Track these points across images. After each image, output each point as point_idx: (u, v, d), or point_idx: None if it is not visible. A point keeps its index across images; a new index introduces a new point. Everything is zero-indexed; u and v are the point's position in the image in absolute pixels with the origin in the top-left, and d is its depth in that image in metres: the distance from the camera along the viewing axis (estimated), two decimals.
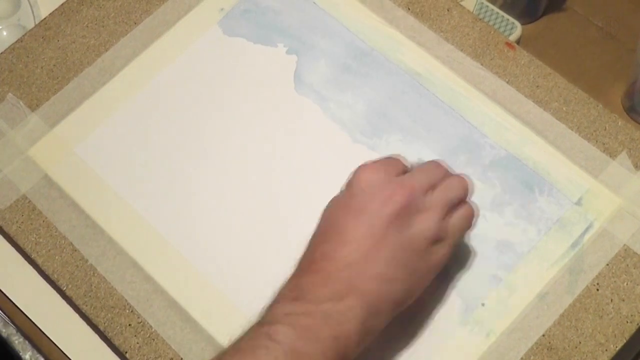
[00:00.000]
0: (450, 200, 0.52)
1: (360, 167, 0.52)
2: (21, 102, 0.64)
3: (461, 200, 0.53)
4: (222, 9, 0.67)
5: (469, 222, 0.53)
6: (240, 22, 0.66)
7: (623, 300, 0.55)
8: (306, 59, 0.64)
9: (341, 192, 0.52)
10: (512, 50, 0.63)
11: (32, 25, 0.72)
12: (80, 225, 0.60)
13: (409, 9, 0.65)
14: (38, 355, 0.60)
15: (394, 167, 0.53)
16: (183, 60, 0.65)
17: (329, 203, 0.52)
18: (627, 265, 0.56)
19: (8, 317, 0.60)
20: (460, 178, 0.54)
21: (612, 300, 0.55)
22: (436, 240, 0.51)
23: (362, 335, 0.48)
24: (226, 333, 0.56)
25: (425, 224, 0.50)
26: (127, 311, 0.57)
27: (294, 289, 0.49)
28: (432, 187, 0.52)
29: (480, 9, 0.71)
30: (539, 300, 0.55)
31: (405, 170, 0.53)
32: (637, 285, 0.55)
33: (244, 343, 0.47)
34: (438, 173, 0.53)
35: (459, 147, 0.60)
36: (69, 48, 0.66)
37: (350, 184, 0.52)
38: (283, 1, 0.67)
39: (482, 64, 0.63)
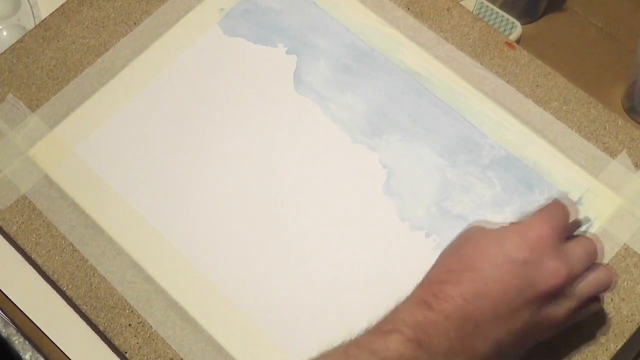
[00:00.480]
0: (593, 296, 0.50)
1: (533, 218, 0.49)
2: (21, 103, 0.64)
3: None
4: (222, 9, 0.67)
5: (589, 316, 0.52)
6: (240, 22, 0.66)
7: (623, 300, 0.55)
8: (306, 59, 0.64)
9: (498, 230, 0.49)
10: (512, 50, 0.63)
11: (32, 25, 0.72)
12: (80, 225, 0.60)
13: (408, 9, 0.65)
14: (38, 355, 0.60)
15: (565, 225, 0.49)
16: (183, 61, 0.65)
17: (476, 231, 0.49)
18: (627, 264, 0.56)
19: (8, 317, 0.60)
20: (610, 273, 0.50)
21: (612, 299, 0.55)
22: (557, 326, 0.49)
23: None
24: (226, 333, 0.56)
25: (561, 310, 0.48)
26: (127, 311, 0.57)
27: (415, 327, 0.45)
28: (585, 273, 0.49)
29: (480, 8, 0.71)
30: None
31: (570, 226, 0.50)
32: (637, 284, 0.55)
33: None
34: (595, 258, 0.50)
35: (459, 147, 0.60)
36: (69, 48, 0.66)
37: (519, 233, 0.48)
38: (283, 1, 0.67)
39: (482, 64, 0.63)
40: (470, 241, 0.49)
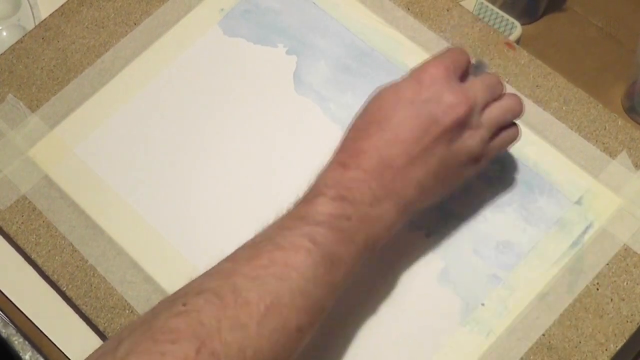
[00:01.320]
0: (502, 123, 0.53)
1: (426, 63, 0.51)
2: (21, 103, 0.64)
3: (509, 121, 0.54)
4: (222, 10, 0.67)
5: (508, 145, 0.55)
6: (241, 23, 0.66)
7: (623, 300, 0.55)
8: (306, 59, 0.64)
9: (396, 82, 0.51)
10: (512, 50, 0.63)
11: (32, 26, 0.72)
12: (80, 225, 0.60)
13: (408, 9, 0.65)
14: (38, 355, 0.60)
15: (460, 65, 0.52)
16: (183, 61, 0.65)
17: (379, 91, 0.51)
18: (627, 264, 0.56)
19: (8, 317, 0.60)
20: (517, 99, 0.54)
21: (612, 299, 0.55)
22: (476, 159, 0.51)
23: (387, 236, 0.49)
24: None
25: (473, 141, 0.51)
26: (127, 311, 0.57)
27: (336, 185, 0.48)
28: (489, 103, 0.52)
29: (480, 9, 0.71)
30: (539, 300, 0.55)
31: (468, 68, 0.53)
32: (637, 284, 0.55)
33: (284, 239, 0.46)
34: (498, 90, 0.53)
35: None
36: (69, 49, 0.66)
37: (414, 77, 0.51)
38: (283, 1, 0.67)
39: None
40: (374, 99, 0.51)
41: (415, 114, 0.49)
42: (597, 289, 0.55)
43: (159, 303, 0.46)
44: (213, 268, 0.47)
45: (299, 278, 0.45)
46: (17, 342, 0.60)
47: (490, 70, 0.62)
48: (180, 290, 0.46)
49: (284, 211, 0.49)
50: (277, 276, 0.44)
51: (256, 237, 0.48)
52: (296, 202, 0.49)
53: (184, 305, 0.44)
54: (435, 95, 0.49)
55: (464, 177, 0.53)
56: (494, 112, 0.52)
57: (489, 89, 0.52)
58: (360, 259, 0.48)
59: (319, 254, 0.45)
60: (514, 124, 0.54)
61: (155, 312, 0.44)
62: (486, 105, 0.52)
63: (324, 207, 0.47)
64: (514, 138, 0.54)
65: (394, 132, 0.49)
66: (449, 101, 0.49)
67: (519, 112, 0.54)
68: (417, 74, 0.51)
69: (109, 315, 0.57)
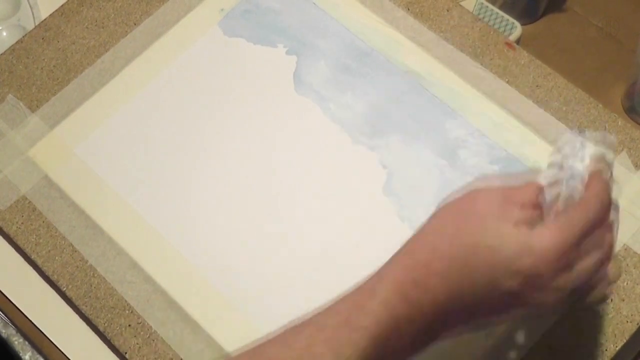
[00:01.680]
0: (585, 283, 0.43)
1: (556, 230, 0.41)
2: (21, 103, 0.64)
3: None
4: (222, 10, 0.67)
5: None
6: (241, 23, 0.66)
7: (623, 300, 0.55)
8: (306, 59, 0.64)
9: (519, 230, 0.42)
10: (512, 50, 0.63)
11: (32, 26, 0.72)
12: (80, 225, 0.60)
13: (408, 9, 0.65)
14: (38, 355, 0.60)
15: (588, 232, 0.42)
16: (183, 61, 0.65)
17: (493, 207, 0.43)
18: (627, 265, 0.56)
19: (8, 317, 0.60)
20: (611, 244, 0.44)
21: (612, 300, 0.55)
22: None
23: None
24: (226, 333, 0.56)
25: (539, 303, 0.43)
26: (127, 312, 0.57)
27: (386, 324, 0.42)
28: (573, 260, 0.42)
29: (480, 9, 0.71)
30: None
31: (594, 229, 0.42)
32: (637, 284, 0.55)
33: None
34: (599, 233, 0.43)
35: (459, 147, 0.60)
36: (69, 49, 0.66)
37: (533, 247, 0.41)
38: (283, 1, 0.67)
39: (482, 64, 0.63)
40: (473, 223, 0.43)
41: (505, 289, 0.42)
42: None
43: None
44: None
45: None
46: (17, 342, 0.60)
47: (491, 71, 0.62)
48: None
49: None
50: None
51: (288, 340, 0.43)
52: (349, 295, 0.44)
53: None
54: (535, 283, 0.41)
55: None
56: (579, 276, 0.42)
57: (596, 266, 0.43)
58: None
59: None
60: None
61: None
62: (570, 263, 0.42)
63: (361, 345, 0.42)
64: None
65: (473, 289, 0.42)
66: (548, 289, 0.41)
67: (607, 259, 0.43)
68: (538, 243, 0.41)
69: (109, 315, 0.57)
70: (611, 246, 0.44)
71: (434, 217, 0.45)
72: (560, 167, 0.43)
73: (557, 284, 0.41)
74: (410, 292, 0.42)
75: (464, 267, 0.42)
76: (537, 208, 0.42)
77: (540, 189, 0.43)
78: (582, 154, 0.42)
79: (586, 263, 0.42)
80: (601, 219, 0.43)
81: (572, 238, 0.41)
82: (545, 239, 0.41)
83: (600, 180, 0.43)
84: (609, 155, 0.43)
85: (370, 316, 0.42)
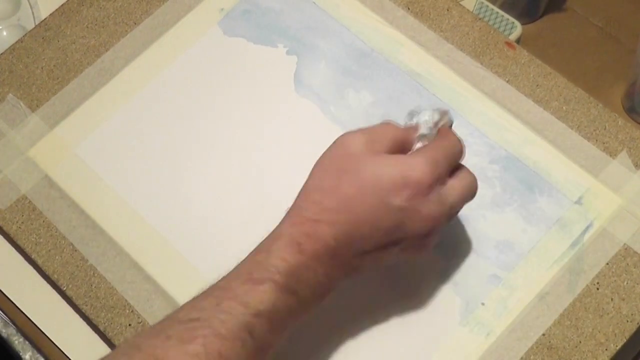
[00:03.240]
0: (463, 203, 0.51)
1: (420, 160, 0.48)
2: (21, 103, 0.64)
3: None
4: (222, 9, 0.67)
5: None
6: (241, 23, 0.66)
7: (623, 300, 0.55)
8: (306, 59, 0.64)
9: (386, 159, 0.49)
10: (512, 50, 0.63)
11: (32, 25, 0.72)
12: (80, 225, 0.60)
13: (408, 9, 0.65)
14: (38, 355, 0.60)
15: (451, 163, 0.50)
16: (183, 61, 0.65)
17: (364, 153, 0.49)
18: (627, 264, 0.56)
19: (8, 317, 0.60)
20: (472, 176, 0.51)
21: (612, 299, 0.55)
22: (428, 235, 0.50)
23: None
24: None
25: (427, 242, 0.51)
26: (127, 311, 0.57)
27: (287, 275, 0.46)
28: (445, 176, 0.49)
29: (480, 8, 0.71)
30: (539, 300, 0.55)
31: (456, 161, 0.51)
32: (637, 284, 0.55)
33: (222, 325, 0.45)
34: (474, 193, 0.51)
35: None
36: (69, 49, 0.66)
37: (401, 174, 0.48)
38: (283, 2, 0.67)
39: (482, 64, 0.63)
40: (349, 173, 0.48)
41: (388, 217, 0.47)
42: (597, 289, 0.55)
43: None
44: (144, 337, 0.45)
45: None
46: (17, 342, 0.60)
47: (491, 70, 0.62)
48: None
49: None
50: None
51: (197, 304, 0.47)
52: (241, 270, 0.48)
53: None
54: (415, 206, 0.48)
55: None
56: (454, 193, 0.50)
57: (465, 194, 0.51)
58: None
59: (254, 346, 0.45)
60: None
61: None
62: (442, 179, 0.50)
63: (271, 297, 0.46)
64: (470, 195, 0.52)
65: (359, 228, 0.47)
66: (425, 215, 0.48)
67: (476, 187, 0.52)
68: (406, 171, 0.48)
69: (109, 315, 0.57)
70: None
71: (313, 172, 0.50)
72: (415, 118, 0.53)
73: (439, 195, 0.48)
74: (304, 244, 0.47)
75: (350, 207, 0.47)
76: (397, 142, 0.50)
77: (398, 129, 0.51)
78: (430, 112, 0.52)
79: (455, 181, 0.50)
80: (456, 151, 0.51)
81: (439, 156, 0.49)
82: (419, 157, 0.48)
83: (447, 129, 0.52)
84: (449, 115, 0.53)
85: (271, 270, 0.46)
